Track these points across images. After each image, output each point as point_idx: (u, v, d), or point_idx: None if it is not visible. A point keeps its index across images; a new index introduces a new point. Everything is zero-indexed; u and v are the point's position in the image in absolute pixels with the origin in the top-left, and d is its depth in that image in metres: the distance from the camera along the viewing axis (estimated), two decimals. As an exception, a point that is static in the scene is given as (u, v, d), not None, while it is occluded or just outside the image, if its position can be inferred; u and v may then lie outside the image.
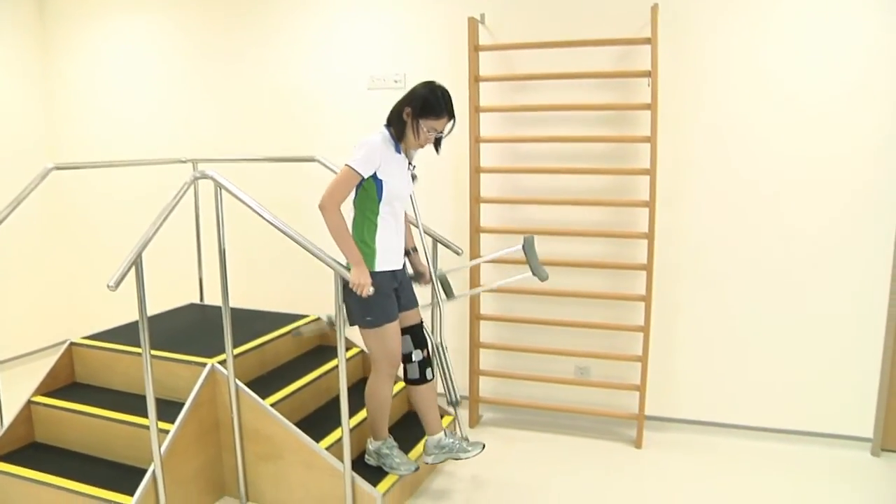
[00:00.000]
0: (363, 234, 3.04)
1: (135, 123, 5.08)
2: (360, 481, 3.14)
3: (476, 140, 4.05)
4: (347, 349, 3.95)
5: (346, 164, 2.93)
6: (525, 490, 3.50)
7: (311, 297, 4.40)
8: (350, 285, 2.95)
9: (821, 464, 3.79)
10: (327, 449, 3.21)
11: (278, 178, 4.63)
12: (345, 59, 4.44)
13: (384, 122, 3.10)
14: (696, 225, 3.97)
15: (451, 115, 3.02)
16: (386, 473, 3.31)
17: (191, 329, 3.97)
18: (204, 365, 3.29)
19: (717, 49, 3.80)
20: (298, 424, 3.29)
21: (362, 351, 4.15)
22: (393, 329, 3.10)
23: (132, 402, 3.36)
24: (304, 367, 3.80)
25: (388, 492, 3.21)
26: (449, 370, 3.52)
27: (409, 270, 3.39)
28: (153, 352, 3.05)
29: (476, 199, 4.11)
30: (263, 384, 3.50)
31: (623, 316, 4.11)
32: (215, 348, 3.40)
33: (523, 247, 3.36)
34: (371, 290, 2.93)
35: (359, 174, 2.93)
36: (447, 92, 3.00)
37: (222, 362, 3.28)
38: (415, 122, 2.98)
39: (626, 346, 4.12)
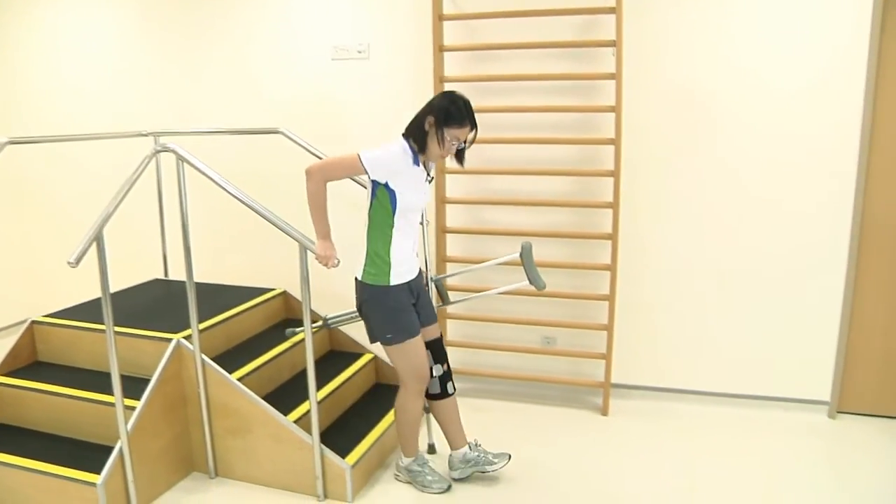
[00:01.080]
0: (377, 246, 2.96)
1: (95, 97, 4.97)
2: (329, 453, 3.16)
3: (441, 110, 4.02)
4: (313, 322, 3.95)
5: (359, 152, 2.86)
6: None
7: (277, 270, 4.37)
8: (316, 259, 2.95)
9: (780, 427, 3.88)
10: (296, 422, 3.22)
11: (242, 151, 4.56)
12: (308, 29, 4.37)
13: (402, 132, 2.99)
14: (661, 194, 3.99)
15: (474, 124, 2.95)
16: (355, 444, 3.33)
17: (155, 304, 3.94)
18: (169, 340, 3.27)
19: (681, 18, 3.80)
20: (266, 398, 3.28)
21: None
22: (416, 344, 3.04)
23: (97, 380, 3.33)
24: (270, 340, 3.79)
25: (358, 463, 3.22)
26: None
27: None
28: (117, 328, 3.02)
29: (441, 170, 4.10)
30: (230, 359, 3.49)
31: (589, 285, 4.14)
32: (181, 323, 3.38)
33: (521, 254, 3.29)
34: (337, 262, 2.92)
35: (363, 167, 2.85)
36: (468, 101, 2.93)
37: (188, 337, 3.26)
38: (438, 131, 2.88)
39: (592, 315, 4.16)
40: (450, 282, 4.27)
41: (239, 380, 3.27)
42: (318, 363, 3.72)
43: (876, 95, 3.64)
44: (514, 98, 4.05)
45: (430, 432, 3.63)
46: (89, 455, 3.06)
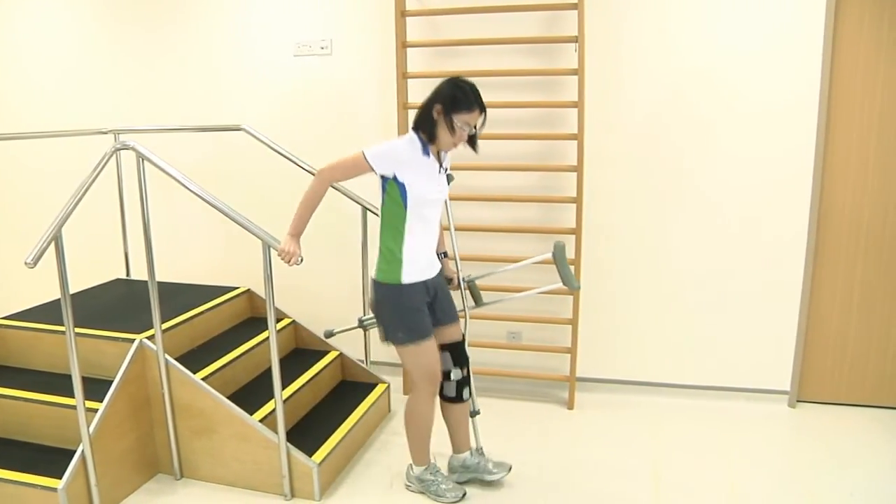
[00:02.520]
0: (389, 243, 2.89)
1: (52, 94, 4.88)
2: (295, 452, 3.14)
3: (404, 106, 4.02)
4: (278, 320, 3.93)
5: (363, 150, 2.80)
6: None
7: (240, 268, 4.35)
8: (278, 254, 2.90)
9: (742, 417, 3.95)
10: (261, 421, 3.19)
11: (204, 149, 4.52)
12: (270, 25, 4.33)
13: (412, 125, 2.92)
14: (623, 188, 4.03)
15: (483, 109, 2.87)
16: (321, 443, 3.32)
17: (117, 305, 3.88)
18: (131, 341, 3.22)
19: (642, 14, 3.83)
20: (231, 398, 3.26)
21: (293, 322, 4.13)
22: (429, 345, 2.96)
23: (57, 383, 3.26)
24: (235, 339, 3.76)
25: (324, 461, 3.21)
26: (471, 380, 3.32)
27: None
28: (78, 329, 2.98)
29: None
30: (194, 358, 3.45)
31: (553, 279, 4.15)
32: (143, 323, 3.34)
33: (553, 254, 3.17)
34: (300, 259, 2.88)
35: (367, 163, 2.79)
36: (475, 86, 2.85)
37: (151, 337, 3.22)
38: (447, 119, 2.81)
39: (557, 309, 4.18)
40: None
41: (203, 379, 3.23)
42: (284, 361, 3.70)
43: (831, 94, 3.72)
44: (477, 94, 4.05)
45: (477, 437, 3.44)
46: (50, 459, 2.99)
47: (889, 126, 3.72)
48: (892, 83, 3.68)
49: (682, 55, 3.83)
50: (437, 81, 4.02)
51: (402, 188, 2.82)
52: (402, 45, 3.97)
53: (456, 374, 3.13)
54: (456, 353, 3.14)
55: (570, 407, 4.10)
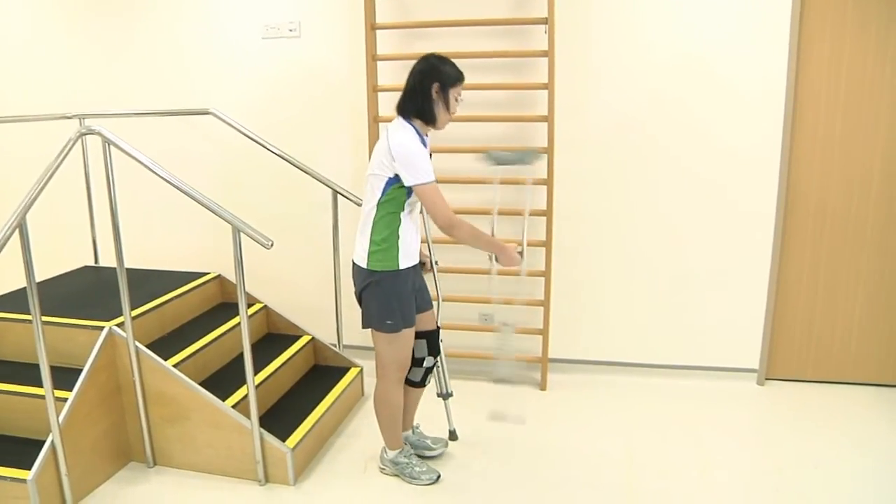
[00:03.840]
0: (383, 232, 2.84)
1: (15, 77, 4.78)
2: (268, 437, 3.14)
3: (374, 89, 3.99)
4: (249, 306, 3.91)
5: (418, 185, 2.72)
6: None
7: (210, 253, 4.32)
8: (507, 267, 2.93)
9: (713, 395, 4.02)
10: (234, 407, 3.19)
11: (172, 133, 4.46)
12: (237, 7, 4.27)
13: (401, 116, 2.86)
14: (593, 170, 4.05)
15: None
16: (295, 427, 3.32)
17: (86, 292, 3.84)
18: (101, 329, 3.19)
19: (611, -5, 3.85)
20: (203, 384, 3.24)
21: (265, 307, 4.11)
22: (409, 334, 2.97)
23: (25, 372, 3.21)
24: (206, 325, 3.74)
25: (298, 446, 3.21)
26: (444, 363, 3.36)
27: None
28: (46, 318, 2.95)
29: (376, 150, 4.07)
30: (165, 345, 3.43)
31: (525, 262, 4.17)
32: (113, 311, 3.30)
33: (488, 157, 3.20)
34: (520, 260, 2.92)
35: (433, 182, 2.74)
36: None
37: (120, 325, 3.19)
38: (444, 95, 2.80)
39: (529, 291, 4.20)
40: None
41: (175, 366, 3.21)
42: (256, 347, 3.69)
43: (797, 81, 3.77)
44: (447, 76, 4.04)
45: (450, 419, 3.52)
46: (19, 450, 2.96)
47: (853, 112, 3.78)
48: (856, 69, 3.73)
49: (651, 38, 3.84)
50: (407, 63, 4.02)
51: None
52: (372, 27, 3.94)
53: (428, 362, 3.16)
54: (432, 342, 3.15)
55: (543, 388, 4.13)
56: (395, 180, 2.76)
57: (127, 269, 3.12)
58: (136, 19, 4.45)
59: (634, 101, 3.92)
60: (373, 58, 3.97)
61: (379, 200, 2.81)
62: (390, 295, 2.87)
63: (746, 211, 3.95)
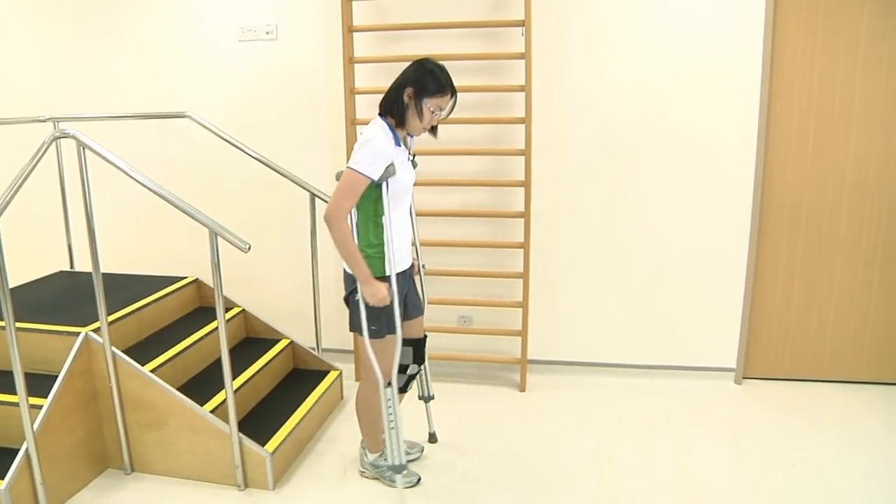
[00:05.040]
0: (369, 237, 2.79)
1: (-15, 80, 4.74)
2: (247, 442, 3.12)
3: (351, 91, 3.99)
4: (227, 310, 3.89)
5: (349, 168, 2.64)
6: (414, 436, 3.56)
7: (188, 256, 4.29)
8: (370, 301, 2.75)
9: (691, 394, 4.05)
10: (212, 412, 3.16)
11: (149, 136, 4.43)
12: (214, 10, 4.25)
13: (377, 112, 2.81)
14: (570, 172, 4.06)
15: (454, 92, 2.77)
16: (274, 432, 3.30)
17: (61, 298, 3.80)
18: (76, 334, 3.16)
19: (587, -2, 3.87)
20: (181, 389, 3.22)
21: (243, 311, 4.09)
22: (393, 340, 2.89)
23: (-1, 379, 3.20)
24: (183, 330, 3.71)
25: (277, 450, 3.20)
26: (427, 366, 3.35)
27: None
28: (20, 324, 2.91)
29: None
30: (142, 350, 3.40)
31: (503, 263, 4.19)
32: (88, 316, 3.27)
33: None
34: (388, 298, 2.75)
35: (367, 177, 2.64)
36: (445, 68, 2.77)
37: (97, 330, 3.16)
38: (418, 103, 2.72)
39: (507, 293, 4.21)
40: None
41: (152, 371, 3.19)
42: (234, 351, 3.68)
43: (772, 81, 3.80)
44: (425, 79, 4.04)
45: (431, 421, 3.53)
46: (-6, 458, 2.93)
47: (825, 114, 3.83)
48: (828, 74, 3.79)
49: (628, 40, 3.87)
50: (383, 66, 4.03)
51: (385, 184, 2.73)
52: (349, 29, 3.94)
53: (412, 370, 3.11)
54: (418, 350, 3.11)
55: (523, 389, 4.14)
56: (373, 180, 2.70)
57: (103, 274, 3.09)
58: (111, 22, 4.41)
59: (611, 102, 3.95)
60: (350, 60, 3.97)
61: (358, 204, 2.76)
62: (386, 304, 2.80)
63: (722, 212, 3.98)
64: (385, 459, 3.17)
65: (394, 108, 2.78)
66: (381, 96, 4.06)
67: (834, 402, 3.94)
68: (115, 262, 4.11)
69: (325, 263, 4.20)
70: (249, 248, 2.92)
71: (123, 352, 3.19)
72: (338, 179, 2.73)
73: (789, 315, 4.11)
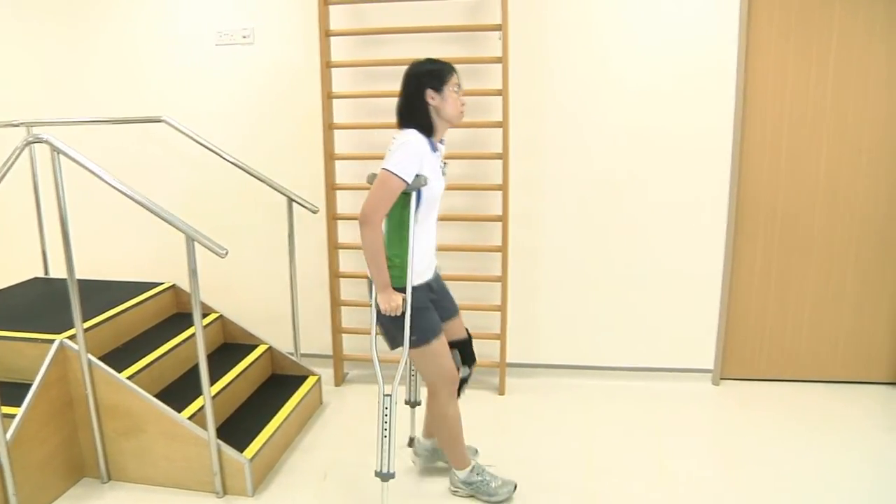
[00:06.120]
0: (395, 248, 2.73)
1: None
2: (226, 448, 3.10)
3: (328, 96, 3.98)
4: (205, 315, 3.87)
5: (385, 169, 2.59)
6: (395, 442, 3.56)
7: (164, 262, 4.25)
8: (383, 309, 2.71)
9: (668, 396, 4.07)
10: (190, 418, 3.14)
11: (124, 141, 4.38)
12: (190, 14, 4.22)
13: (407, 128, 2.73)
14: (548, 175, 4.08)
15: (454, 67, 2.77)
16: (253, 438, 3.28)
17: (35, 305, 3.75)
18: (51, 342, 3.12)
19: (566, 2, 3.88)
20: (159, 396, 3.19)
21: (221, 316, 4.06)
22: (441, 343, 2.83)
23: (-28, 388, 3.15)
24: (161, 336, 3.68)
25: (256, 457, 3.18)
26: (416, 371, 3.32)
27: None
28: (-8, 332, 2.88)
29: (330, 157, 4.06)
30: (119, 357, 3.37)
31: (481, 267, 4.20)
32: (64, 323, 3.23)
33: None
34: (401, 308, 2.69)
35: (402, 179, 2.59)
36: (428, 58, 2.79)
37: (72, 337, 3.12)
38: (441, 94, 2.70)
39: (486, 296, 4.22)
40: (342, 267, 4.26)
41: (129, 378, 3.15)
42: (212, 357, 3.66)
43: (746, 87, 3.85)
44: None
45: (413, 426, 3.51)
46: (-33, 467, 2.89)
47: (798, 121, 3.88)
48: (800, 82, 3.84)
49: (605, 43, 3.89)
50: (361, 70, 4.03)
51: (417, 191, 2.68)
52: (326, 33, 3.93)
53: (463, 373, 3.03)
54: (465, 351, 3.05)
55: (502, 392, 4.15)
56: (408, 183, 2.64)
57: (78, 280, 3.06)
58: (86, 26, 4.37)
59: (588, 106, 3.97)
60: (327, 65, 3.96)
61: (387, 212, 2.68)
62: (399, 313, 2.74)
63: (699, 215, 4.02)
64: (478, 474, 3.06)
65: (419, 117, 2.73)
66: (359, 101, 4.10)
67: (810, 401, 3.98)
68: (90, 268, 4.06)
69: (303, 268, 4.19)
70: (227, 254, 2.91)
71: (100, 359, 3.16)
72: (369, 182, 2.70)
73: (765, 316, 4.16)
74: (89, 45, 4.38)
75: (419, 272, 2.78)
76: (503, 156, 3.85)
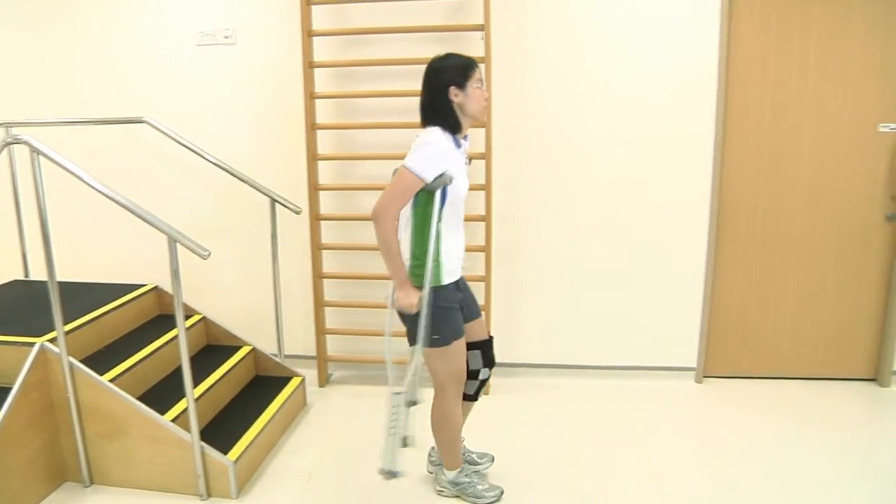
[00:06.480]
0: (423, 246, 2.68)
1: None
2: (209, 450, 3.09)
3: (311, 96, 3.97)
4: (187, 317, 3.85)
5: (404, 167, 2.58)
6: (379, 442, 3.55)
7: (146, 264, 4.21)
8: (396, 307, 2.70)
9: (652, 394, 4.10)
10: (173, 421, 3.12)
11: (105, 142, 4.35)
12: (172, 14, 4.19)
13: (430, 125, 2.70)
14: (531, 174, 4.09)
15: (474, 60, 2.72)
16: (237, 440, 3.27)
17: (16, 307, 3.72)
18: (32, 345, 3.09)
19: (548, 1, 3.89)
20: (141, 398, 3.17)
21: (204, 318, 4.04)
22: (460, 345, 2.81)
23: (-50, 392, 3.11)
24: (143, 338, 3.66)
25: (240, 459, 3.17)
26: (419, 369, 3.33)
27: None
28: (-28, 335, 2.84)
29: (313, 157, 4.05)
30: (101, 359, 3.34)
31: (464, 266, 4.18)
32: (44, 326, 3.20)
33: None
34: (417, 307, 2.66)
35: (421, 179, 2.57)
36: (448, 53, 2.75)
37: (53, 340, 3.09)
38: (464, 91, 2.65)
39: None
40: (326, 268, 4.25)
41: (111, 381, 3.13)
42: (195, 359, 3.64)
43: (728, 85, 3.87)
44: (384, 83, 4.03)
45: (409, 425, 3.48)
46: (-54, 473, 2.85)
47: (779, 120, 3.92)
48: (782, 80, 3.88)
49: (587, 42, 3.90)
50: (343, 71, 4.02)
51: (442, 189, 2.66)
52: (308, 33, 3.92)
53: (484, 374, 3.02)
54: (487, 352, 3.02)
55: (486, 392, 4.15)
56: (427, 182, 2.62)
57: (59, 283, 3.03)
58: (67, 25, 4.33)
59: (570, 106, 3.98)
60: (309, 65, 3.95)
61: (412, 210, 2.70)
62: (435, 310, 2.71)
63: (681, 214, 4.04)
64: (466, 476, 3.07)
65: (443, 114, 2.69)
66: (341, 101, 4.09)
67: (792, 398, 4.02)
68: (71, 270, 4.03)
69: (286, 269, 4.18)
70: (209, 255, 2.89)
71: (81, 361, 3.13)
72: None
73: (747, 314, 4.18)
74: (70, 45, 4.35)
75: (449, 271, 2.76)
76: (486, 156, 3.86)
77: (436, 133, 2.66)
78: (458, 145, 2.73)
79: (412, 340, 2.80)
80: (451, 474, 3.08)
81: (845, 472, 3.24)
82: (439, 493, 3.14)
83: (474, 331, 2.99)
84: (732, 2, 3.78)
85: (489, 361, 3.04)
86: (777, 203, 4.01)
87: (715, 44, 3.81)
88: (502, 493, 3.08)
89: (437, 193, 2.65)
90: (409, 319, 2.77)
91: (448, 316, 2.76)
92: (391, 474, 2.79)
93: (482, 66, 3.73)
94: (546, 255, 4.19)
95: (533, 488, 3.16)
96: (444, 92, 2.67)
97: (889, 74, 3.79)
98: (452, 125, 2.70)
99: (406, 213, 2.71)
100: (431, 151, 2.61)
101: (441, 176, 2.61)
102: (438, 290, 2.72)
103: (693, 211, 4.03)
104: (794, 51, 3.82)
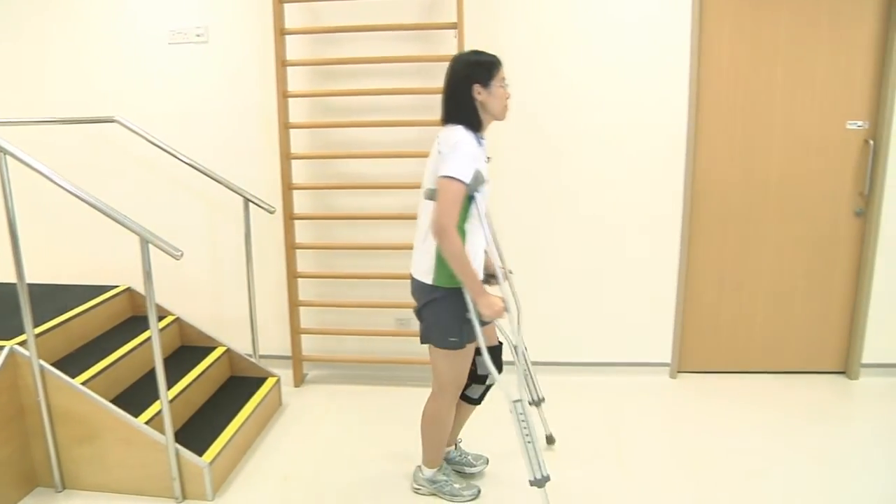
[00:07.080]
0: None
1: None
2: (184, 452, 3.06)
3: (284, 95, 3.95)
4: (161, 318, 3.81)
5: (446, 176, 2.53)
6: (356, 442, 3.55)
7: (118, 265, 4.17)
8: (485, 317, 2.64)
9: (627, 390, 4.13)
10: (147, 423, 3.09)
11: (75, 141, 4.29)
12: (143, 12, 4.14)
13: (453, 123, 2.67)
14: (506, 171, 4.08)
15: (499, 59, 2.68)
16: (212, 441, 3.25)
17: (-16, 310, 3.67)
18: (1, 348, 3.04)
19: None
20: (115, 401, 3.13)
21: (177, 319, 4.01)
22: (470, 350, 2.80)
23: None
24: (116, 340, 3.62)
25: (216, 460, 3.14)
26: (531, 370, 3.31)
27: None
28: (-61, 339, 2.80)
29: (286, 156, 4.02)
30: (73, 362, 3.30)
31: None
32: (14, 329, 3.16)
33: None
34: (504, 309, 2.64)
35: (462, 182, 2.53)
36: (474, 50, 2.73)
37: (23, 343, 3.05)
38: (488, 89, 2.62)
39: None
40: (300, 268, 4.23)
41: (83, 384, 3.09)
42: (169, 360, 3.61)
43: (699, 84, 3.91)
44: (357, 81, 4.03)
45: (546, 423, 3.51)
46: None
47: (750, 118, 3.96)
48: (752, 79, 3.92)
49: (560, 40, 3.92)
50: (316, 69, 4.00)
51: (473, 192, 2.63)
52: (281, 31, 3.90)
53: (491, 380, 3.00)
54: (496, 358, 2.96)
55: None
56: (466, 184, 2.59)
57: (29, 285, 2.99)
58: (38, 23, 4.26)
59: (544, 104, 3.99)
60: (282, 63, 3.93)
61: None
62: (455, 312, 2.70)
63: (654, 211, 4.07)
64: (444, 474, 3.08)
65: (466, 113, 2.66)
66: (315, 100, 4.08)
67: (765, 391, 4.07)
68: (42, 272, 3.97)
69: (260, 269, 4.15)
70: (182, 255, 2.87)
71: (52, 365, 3.09)
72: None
73: (720, 310, 4.23)
74: (40, 43, 4.28)
75: (478, 269, 2.73)
76: (461, 154, 3.85)
77: (460, 132, 2.63)
78: (479, 143, 2.71)
79: (427, 338, 2.80)
80: (428, 472, 3.08)
81: (815, 462, 3.29)
82: (416, 490, 3.15)
83: (488, 335, 2.96)
84: (703, 6, 3.82)
85: (497, 367, 2.99)
86: (748, 200, 4.05)
87: (686, 46, 3.84)
88: (479, 491, 3.10)
89: (472, 197, 2.63)
90: (430, 319, 2.76)
91: (468, 319, 2.72)
92: (544, 480, 2.75)
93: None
94: (520, 253, 4.19)
95: (509, 483, 3.17)
96: (468, 89, 2.64)
97: (854, 73, 3.85)
98: (475, 123, 2.67)
99: (428, 219, 2.68)
100: (463, 153, 2.58)
101: (476, 176, 2.60)
102: (462, 293, 2.69)
103: (666, 209, 4.06)
104: (764, 52, 3.86)
